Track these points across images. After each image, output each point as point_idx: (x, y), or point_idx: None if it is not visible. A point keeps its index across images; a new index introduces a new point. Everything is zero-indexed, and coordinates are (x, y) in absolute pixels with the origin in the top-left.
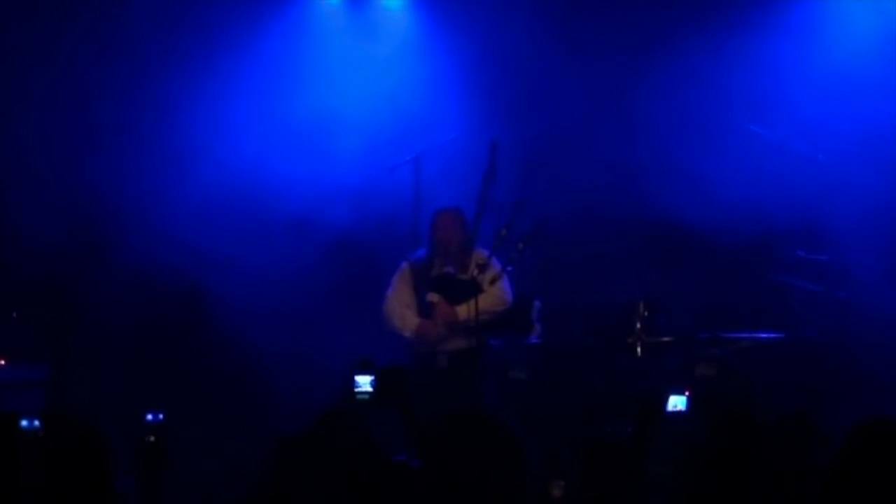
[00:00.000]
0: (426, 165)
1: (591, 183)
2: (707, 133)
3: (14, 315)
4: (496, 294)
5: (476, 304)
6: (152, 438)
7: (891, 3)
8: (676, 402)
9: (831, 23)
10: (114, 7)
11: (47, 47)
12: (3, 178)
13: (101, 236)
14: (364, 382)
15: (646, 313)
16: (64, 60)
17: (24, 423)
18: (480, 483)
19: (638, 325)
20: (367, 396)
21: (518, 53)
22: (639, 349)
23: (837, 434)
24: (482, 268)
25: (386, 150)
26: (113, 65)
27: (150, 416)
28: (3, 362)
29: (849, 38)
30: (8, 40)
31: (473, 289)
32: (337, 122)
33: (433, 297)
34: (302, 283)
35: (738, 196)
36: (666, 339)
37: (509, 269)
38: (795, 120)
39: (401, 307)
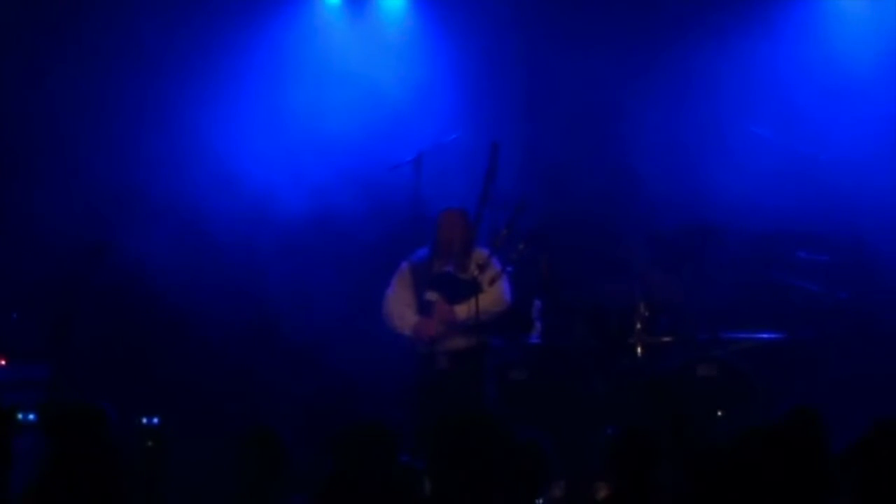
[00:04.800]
0: (427, 165)
1: (592, 183)
2: (707, 133)
3: (14, 315)
4: (495, 294)
5: (476, 303)
6: (150, 443)
7: (891, 1)
8: None
9: (832, 22)
10: (119, 9)
11: (52, 48)
12: (5, 179)
13: (103, 236)
14: None
15: (646, 313)
16: (69, 60)
17: (19, 416)
18: (469, 473)
19: (638, 325)
20: None
21: (519, 53)
22: (639, 349)
23: (839, 436)
24: (482, 268)
25: (387, 150)
26: (117, 63)
27: (144, 420)
28: (3, 362)
29: (849, 36)
30: (13, 41)
31: (473, 288)
32: (337, 123)
33: (432, 295)
34: (303, 282)
35: (738, 196)
36: (666, 339)
37: (509, 269)
38: (796, 120)
39: (400, 306)
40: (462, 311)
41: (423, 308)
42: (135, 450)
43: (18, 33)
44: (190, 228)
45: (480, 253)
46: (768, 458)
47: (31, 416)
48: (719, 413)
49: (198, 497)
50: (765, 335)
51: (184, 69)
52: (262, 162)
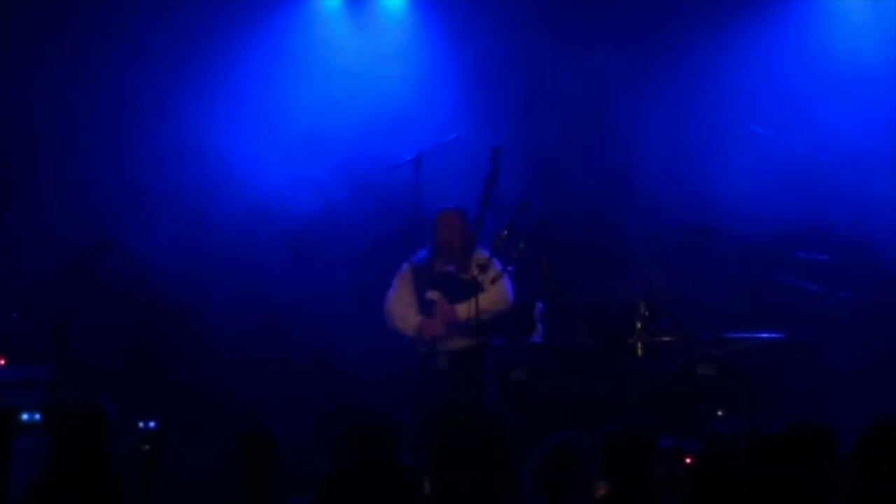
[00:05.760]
0: (427, 165)
1: (592, 183)
2: (708, 133)
3: (14, 315)
4: (497, 293)
5: (476, 302)
6: (147, 447)
7: (891, 1)
8: None
9: (832, 21)
10: (120, 8)
11: (52, 48)
12: (6, 179)
13: (105, 236)
14: None
15: (646, 313)
16: (70, 59)
17: (24, 416)
18: (469, 473)
19: (638, 325)
20: None
21: (519, 53)
22: (639, 349)
23: (839, 436)
24: (483, 268)
25: (387, 150)
26: (117, 63)
27: (141, 424)
28: (3, 362)
29: (850, 36)
30: (13, 41)
31: (474, 288)
32: (337, 122)
33: (433, 294)
34: (304, 282)
35: (738, 196)
36: (666, 339)
37: (510, 268)
38: (796, 120)
39: (401, 307)
40: (463, 310)
41: (425, 307)
42: (132, 453)
43: (18, 33)
44: (191, 228)
45: (481, 254)
46: (772, 468)
47: (37, 416)
48: (719, 413)
49: (196, 499)
50: (765, 335)
51: (184, 68)
52: (262, 161)
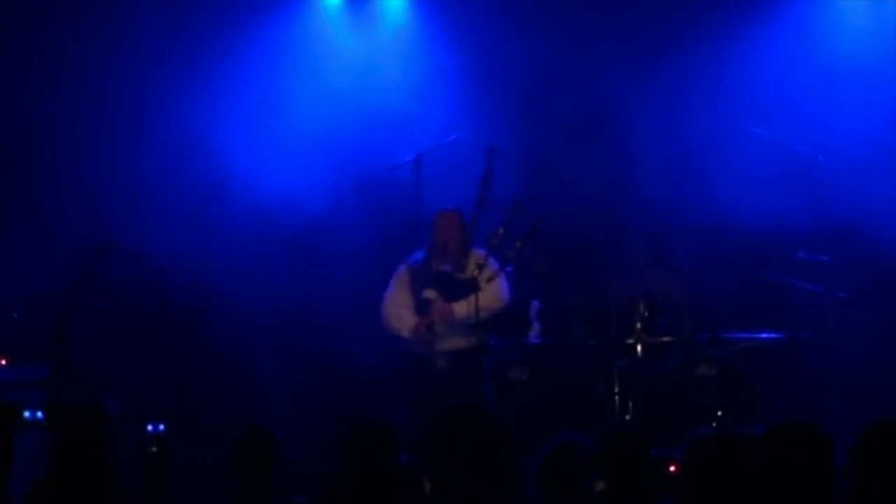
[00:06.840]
0: (427, 166)
1: (593, 183)
2: (707, 134)
3: (15, 315)
4: (493, 292)
5: (476, 301)
6: (154, 449)
7: (890, 1)
8: None
9: (831, 21)
10: (121, 9)
11: (54, 48)
12: (6, 178)
13: (106, 236)
14: None
15: (646, 313)
16: (71, 60)
17: (27, 414)
18: (468, 473)
19: (638, 325)
20: None
21: (519, 54)
22: (639, 349)
23: (840, 436)
24: (480, 267)
25: (387, 151)
26: (117, 62)
27: (150, 427)
28: (3, 362)
29: (850, 36)
30: (14, 41)
31: (471, 287)
32: (338, 123)
33: (429, 293)
34: (303, 283)
35: (738, 196)
36: (666, 339)
37: (508, 268)
38: (796, 120)
39: (398, 308)
40: (460, 308)
41: (421, 307)
42: (139, 455)
43: (19, 33)
44: (193, 229)
45: (478, 254)
46: (766, 466)
47: (39, 414)
48: (719, 413)
49: (199, 500)
50: (765, 335)
51: (185, 68)
52: (263, 162)
